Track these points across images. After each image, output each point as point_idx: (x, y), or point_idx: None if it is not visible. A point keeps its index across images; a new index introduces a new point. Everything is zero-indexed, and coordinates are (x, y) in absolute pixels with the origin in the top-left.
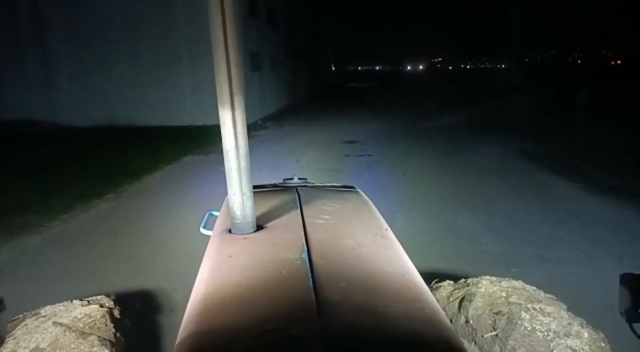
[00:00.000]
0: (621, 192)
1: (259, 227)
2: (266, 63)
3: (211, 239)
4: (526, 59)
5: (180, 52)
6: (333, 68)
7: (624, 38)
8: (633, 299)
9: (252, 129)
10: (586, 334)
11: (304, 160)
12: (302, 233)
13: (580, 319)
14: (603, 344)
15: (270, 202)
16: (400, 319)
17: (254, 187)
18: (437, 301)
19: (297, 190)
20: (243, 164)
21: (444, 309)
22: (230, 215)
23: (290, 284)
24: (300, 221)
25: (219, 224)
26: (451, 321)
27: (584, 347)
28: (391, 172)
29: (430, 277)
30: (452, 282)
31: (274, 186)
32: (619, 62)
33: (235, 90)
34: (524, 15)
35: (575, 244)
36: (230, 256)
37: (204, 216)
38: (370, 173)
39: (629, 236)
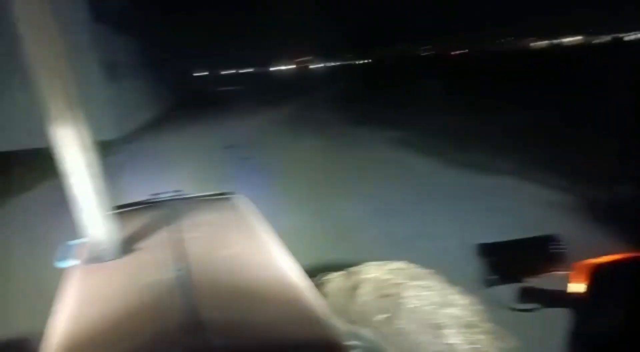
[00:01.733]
0: (475, 166)
1: (125, 252)
2: (127, 73)
3: (69, 272)
4: (383, 55)
5: (8, 64)
6: (201, 73)
7: (464, 32)
8: (487, 266)
9: (119, 143)
10: (463, 301)
11: (182, 170)
12: (176, 251)
13: (456, 288)
14: (478, 307)
15: (139, 222)
16: (279, 327)
17: (117, 207)
18: (328, 293)
19: (170, 204)
20: (95, 185)
21: (335, 300)
22: (88, 243)
23: (162, 309)
24: (174, 238)
25: (77, 255)
26: (344, 311)
27: (462, 313)
28: (274, 172)
29: (322, 271)
30: (341, 272)
31: (144, 203)
32: (457, 52)
33: (71, 104)
34: (375, 12)
35: (448, 217)
36: (89, 289)
37: (60, 248)
38: (254, 175)
39: (486, 204)
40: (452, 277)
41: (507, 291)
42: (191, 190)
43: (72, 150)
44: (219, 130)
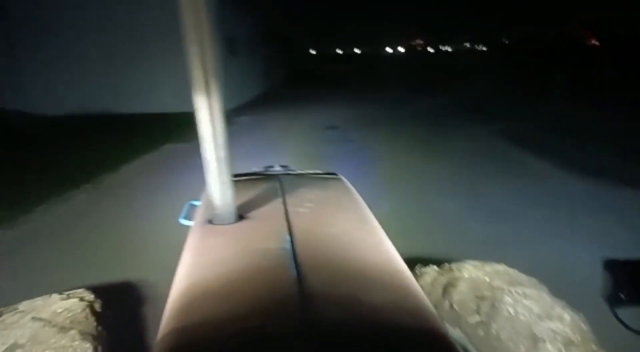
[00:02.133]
0: (602, 173)
1: (240, 217)
2: (242, 48)
3: (191, 230)
4: (505, 41)
5: (151, 34)
6: (312, 51)
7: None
8: (615, 284)
9: (232, 115)
10: (567, 317)
11: (286, 146)
12: (285, 222)
13: (561, 301)
14: (583, 326)
15: (251, 191)
16: (384, 309)
17: (234, 175)
18: (422, 286)
19: (278, 178)
20: (222, 153)
21: (428, 295)
22: (210, 205)
23: (273, 275)
24: (283, 210)
25: (199, 215)
26: (436, 307)
27: (565, 329)
28: (373, 159)
29: (416, 263)
30: (436, 267)
31: (255, 174)
32: (596, 43)
33: (210, 74)
34: None
35: (557, 226)
36: (210, 248)
37: (184, 207)
38: (352, 159)
39: (607, 217)
40: (558, 290)
41: (632, 312)
42: (294, 166)
43: (207, 119)
44: (324, 109)
